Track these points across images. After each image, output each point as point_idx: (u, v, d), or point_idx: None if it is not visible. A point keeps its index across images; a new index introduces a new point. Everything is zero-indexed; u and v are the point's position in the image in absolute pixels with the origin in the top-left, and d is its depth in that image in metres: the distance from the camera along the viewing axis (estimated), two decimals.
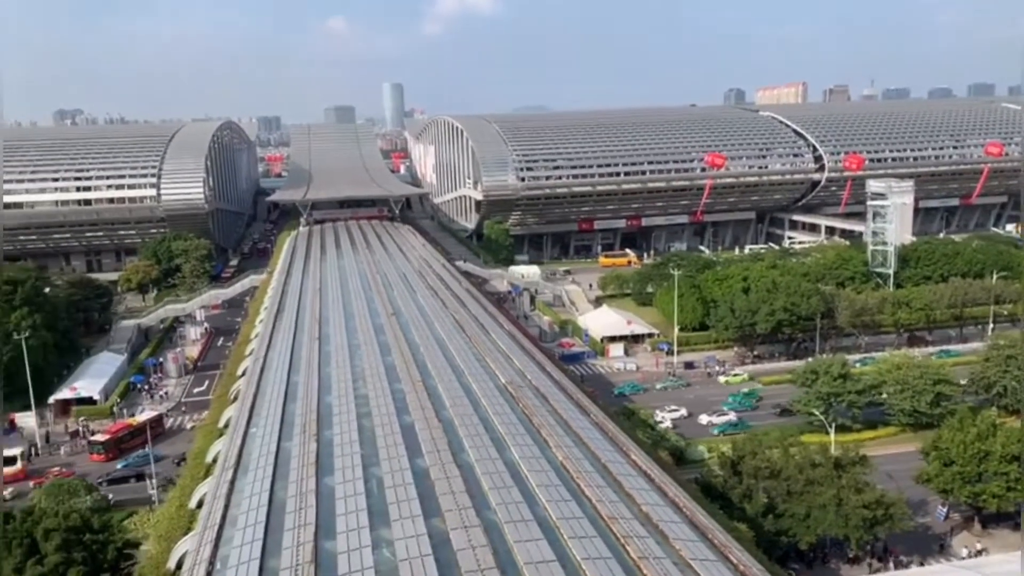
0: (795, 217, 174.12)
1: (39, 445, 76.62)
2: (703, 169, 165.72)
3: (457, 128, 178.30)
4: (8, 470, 68.85)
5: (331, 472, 40.57)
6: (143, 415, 79.84)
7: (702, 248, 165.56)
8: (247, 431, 50.62)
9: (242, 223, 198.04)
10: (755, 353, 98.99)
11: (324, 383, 56.49)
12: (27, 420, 79.07)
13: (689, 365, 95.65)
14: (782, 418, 77.46)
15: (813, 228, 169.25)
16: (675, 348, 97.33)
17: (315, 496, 37.48)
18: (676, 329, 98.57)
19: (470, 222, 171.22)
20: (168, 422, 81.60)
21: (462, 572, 29.72)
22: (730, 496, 53.07)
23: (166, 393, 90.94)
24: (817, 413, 69.05)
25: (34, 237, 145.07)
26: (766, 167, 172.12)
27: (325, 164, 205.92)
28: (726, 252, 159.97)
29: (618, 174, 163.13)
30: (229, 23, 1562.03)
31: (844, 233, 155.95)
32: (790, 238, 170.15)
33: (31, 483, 67.18)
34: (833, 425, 66.25)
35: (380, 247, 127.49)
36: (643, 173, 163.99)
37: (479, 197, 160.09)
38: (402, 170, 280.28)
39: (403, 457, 40.72)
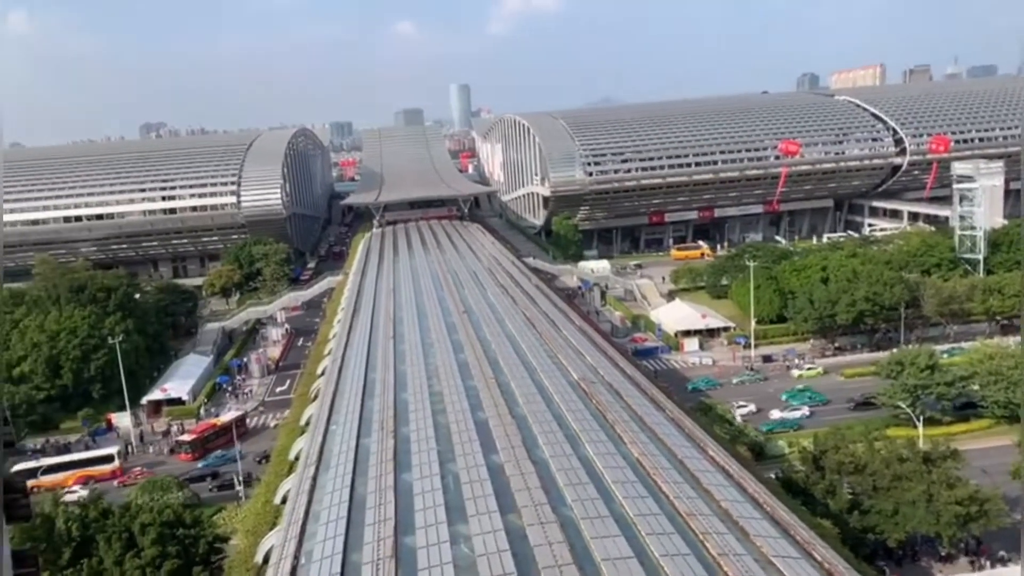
0: (875, 203, 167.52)
1: (134, 444, 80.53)
2: (777, 157, 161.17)
3: (523, 125, 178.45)
4: (105, 468, 72.87)
5: (409, 468, 41.26)
6: (227, 415, 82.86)
7: (778, 238, 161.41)
8: (327, 428, 51.95)
9: (318, 227, 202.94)
10: (836, 345, 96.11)
11: (400, 380, 57.47)
12: (123, 420, 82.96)
13: (767, 359, 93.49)
14: (856, 412, 74.89)
15: (895, 214, 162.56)
16: (752, 341, 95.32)
17: (394, 492, 38.17)
18: (753, 322, 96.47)
19: (538, 218, 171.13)
20: (251, 421, 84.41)
21: (539, 568, 29.80)
22: (812, 492, 51.72)
23: (250, 393, 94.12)
24: (903, 406, 66.52)
25: (125, 246, 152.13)
26: (843, 153, 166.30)
27: (396, 166, 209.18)
28: (803, 242, 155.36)
29: (688, 165, 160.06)
30: (300, 35, 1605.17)
31: (928, 219, 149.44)
32: (870, 225, 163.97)
33: (115, 482, 70.60)
34: (921, 418, 63.74)
35: (450, 246, 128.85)
36: (715, 163, 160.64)
37: (546, 193, 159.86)
38: (470, 169, 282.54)
39: (478, 453, 41.08)
